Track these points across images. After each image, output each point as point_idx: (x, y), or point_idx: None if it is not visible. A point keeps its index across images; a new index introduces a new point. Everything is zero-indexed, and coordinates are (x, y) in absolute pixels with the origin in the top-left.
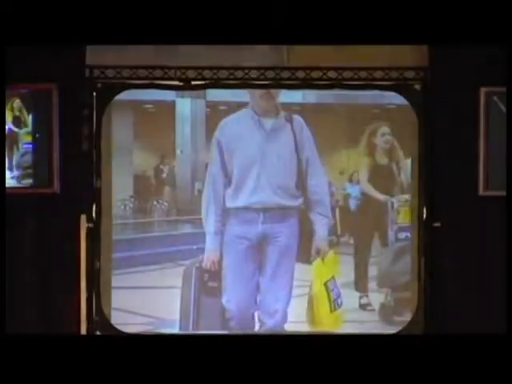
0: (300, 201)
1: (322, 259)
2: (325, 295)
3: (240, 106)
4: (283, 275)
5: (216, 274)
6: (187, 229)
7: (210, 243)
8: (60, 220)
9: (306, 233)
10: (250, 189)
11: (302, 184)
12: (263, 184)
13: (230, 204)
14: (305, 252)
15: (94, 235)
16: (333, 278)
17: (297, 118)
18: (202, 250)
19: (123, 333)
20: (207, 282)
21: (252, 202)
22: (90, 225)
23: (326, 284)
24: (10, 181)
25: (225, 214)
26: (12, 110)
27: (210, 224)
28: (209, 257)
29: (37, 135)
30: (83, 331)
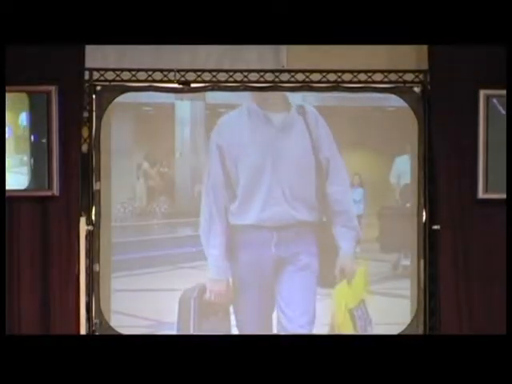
0: (319, 214)
1: (348, 281)
2: (349, 324)
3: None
4: (304, 302)
5: (221, 305)
6: (187, 231)
7: (214, 272)
8: (59, 222)
9: (327, 251)
10: (260, 202)
11: (320, 192)
12: (276, 195)
13: (235, 221)
14: (326, 274)
15: (94, 238)
16: (362, 302)
17: (311, 109)
18: (202, 253)
19: (123, 334)
20: (209, 316)
21: (263, 219)
22: (90, 227)
23: (351, 311)
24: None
25: (229, 233)
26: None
27: (211, 247)
28: (213, 288)
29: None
30: (83, 333)
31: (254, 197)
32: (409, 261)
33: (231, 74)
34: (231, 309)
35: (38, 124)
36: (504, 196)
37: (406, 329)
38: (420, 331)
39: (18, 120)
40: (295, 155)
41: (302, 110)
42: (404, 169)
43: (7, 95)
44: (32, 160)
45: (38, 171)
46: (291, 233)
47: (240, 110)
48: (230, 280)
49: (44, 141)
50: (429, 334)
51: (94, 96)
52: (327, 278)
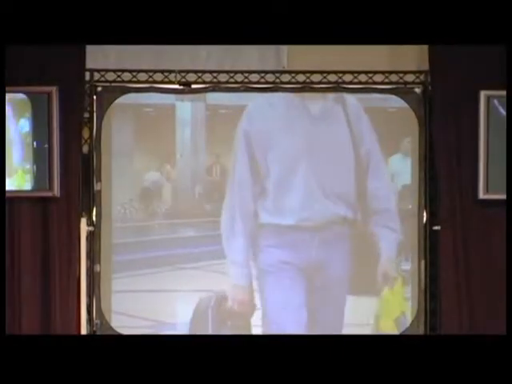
0: (358, 212)
1: (391, 288)
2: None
3: (241, 109)
4: (336, 310)
5: (243, 315)
6: (187, 232)
7: (238, 277)
8: (60, 223)
9: (363, 254)
10: (299, 198)
11: (360, 187)
12: (315, 191)
13: (267, 219)
14: (363, 280)
15: (94, 238)
16: (403, 313)
17: (351, 100)
18: (203, 253)
19: (123, 334)
20: (227, 321)
21: (303, 219)
22: (90, 228)
23: (396, 321)
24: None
25: (255, 234)
26: None
27: (235, 250)
28: (236, 296)
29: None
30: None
31: (289, 192)
32: (409, 265)
33: (232, 74)
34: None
35: (39, 125)
36: (504, 196)
37: (406, 329)
38: (421, 332)
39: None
40: (333, 146)
41: (341, 100)
42: (398, 168)
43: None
44: (33, 161)
45: (39, 172)
46: (332, 233)
47: (273, 94)
48: (255, 287)
49: (45, 142)
50: (429, 334)
51: (94, 97)
52: (363, 285)
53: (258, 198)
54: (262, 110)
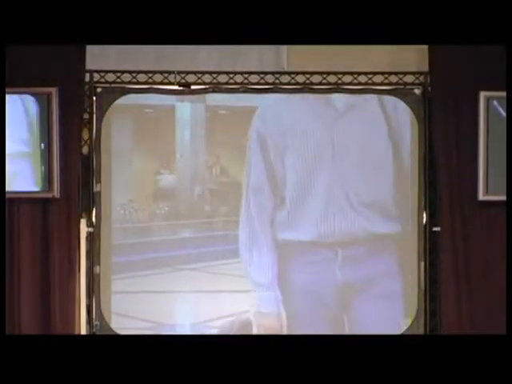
0: (399, 223)
1: None
2: None
3: (240, 110)
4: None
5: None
6: (187, 233)
7: (262, 303)
8: (59, 224)
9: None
10: (318, 210)
11: (400, 194)
12: (339, 200)
13: (284, 235)
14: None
15: (94, 239)
16: None
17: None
18: (203, 254)
19: (123, 335)
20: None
21: (323, 233)
22: (90, 229)
23: None
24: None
25: (278, 251)
26: None
27: (259, 269)
28: (262, 322)
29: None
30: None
31: (308, 203)
32: None
33: (231, 75)
34: None
35: (39, 126)
36: (504, 198)
37: (406, 330)
38: (421, 332)
39: None
40: (364, 146)
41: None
42: None
43: None
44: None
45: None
46: (361, 250)
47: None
48: (283, 312)
49: (44, 142)
50: (429, 334)
51: (94, 98)
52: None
53: (277, 210)
54: (276, 107)
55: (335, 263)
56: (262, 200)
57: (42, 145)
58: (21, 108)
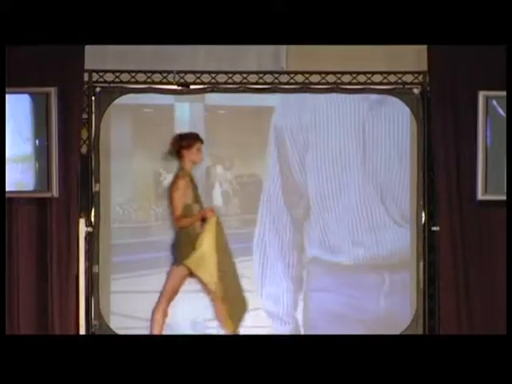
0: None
1: None
2: None
3: (240, 110)
4: None
5: None
6: None
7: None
8: (59, 224)
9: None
10: (350, 221)
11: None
12: (376, 210)
13: (310, 252)
14: None
15: (93, 239)
16: None
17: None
18: None
19: (122, 334)
20: None
21: (359, 254)
22: (89, 229)
23: None
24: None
25: (301, 275)
26: None
27: (273, 294)
28: None
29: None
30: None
31: (336, 213)
32: None
33: (230, 75)
34: None
35: (38, 125)
36: (503, 197)
37: (405, 330)
38: (419, 332)
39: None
40: (403, 144)
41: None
42: None
43: None
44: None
45: (38, 173)
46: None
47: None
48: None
49: (43, 142)
50: (428, 334)
51: (93, 97)
52: None
53: (303, 220)
54: (297, 100)
55: (381, 289)
56: (278, 207)
57: (38, 142)
58: (20, 108)
